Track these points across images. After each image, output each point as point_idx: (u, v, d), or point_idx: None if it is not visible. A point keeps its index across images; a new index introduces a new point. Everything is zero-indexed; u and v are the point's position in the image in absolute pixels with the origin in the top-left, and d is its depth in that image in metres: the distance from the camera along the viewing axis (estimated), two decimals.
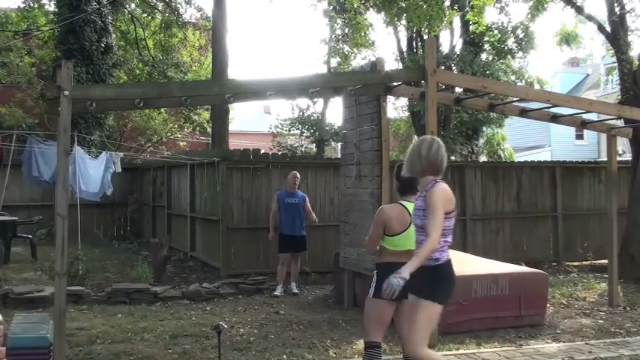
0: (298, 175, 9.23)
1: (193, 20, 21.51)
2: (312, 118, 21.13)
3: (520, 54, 19.31)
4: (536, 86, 19.92)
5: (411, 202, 4.38)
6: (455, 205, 3.97)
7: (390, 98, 11.41)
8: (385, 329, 4.50)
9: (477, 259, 8.14)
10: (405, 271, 3.67)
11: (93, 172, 11.47)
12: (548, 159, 21.02)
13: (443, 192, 3.86)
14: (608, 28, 11.36)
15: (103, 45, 16.57)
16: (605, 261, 9.54)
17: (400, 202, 4.43)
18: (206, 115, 20.23)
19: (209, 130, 21.37)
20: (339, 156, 10.30)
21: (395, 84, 7.25)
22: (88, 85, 13.33)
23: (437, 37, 16.15)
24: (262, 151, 11.58)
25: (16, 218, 11.69)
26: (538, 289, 7.12)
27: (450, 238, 3.96)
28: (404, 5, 12.35)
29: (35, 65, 19.46)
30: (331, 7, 19.44)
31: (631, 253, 9.96)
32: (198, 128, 21.94)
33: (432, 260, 3.86)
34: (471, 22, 16.41)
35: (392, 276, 3.65)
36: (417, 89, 7.82)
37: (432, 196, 3.85)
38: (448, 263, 3.95)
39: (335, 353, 5.88)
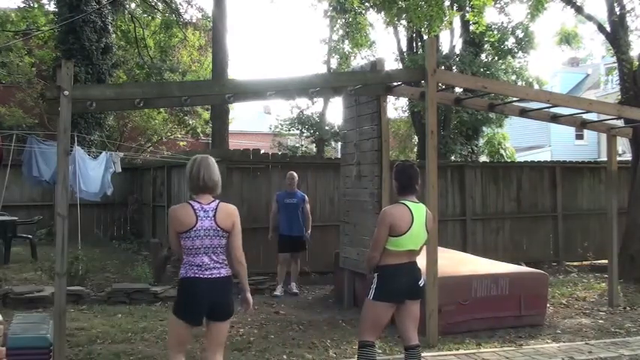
0: (295, 175, 9.22)
1: (194, 20, 21.49)
2: (312, 118, 21.15)
3: (520, 54, 19.28)
4: (536, 86, 19.89)
5: (412, 202, 4.38)
6: (190, 226, 3.87)
7: (390, 98, 11.40)
8: (381, 331, 4.48)
9: (477, 259, 8.16)
10: None
11: (93, 172, 11.46)
12: (548, 159, 21.01)
13: (172, 212, 3.95)
14: (608, 28, 11.37)
15: (102, 45, 16.57)
16: (605, 261, 9.54)
17: (401, 202, 4.41)
18: (206, 115, 20.20)
19: (202, 136, 21.39)
20: (339, 156, 10.29)
21: (395, 84, 7.25)
22: (88, 85, 13.32)
23: (437, 37, 16.10)
24: (262, 151, 11.57)
25: (16, 218, 11.67)
26: (538, 289, 7.13)
27: (197, 260, 3.90)
28: (404, 5, 12.32)
29: (35, 65, 19.43)
30: (331, 7, 19.43)
31: (631, 253, 9.97)
32: (191, 132, 21.84)
33: None
34: (470, 22, 16.38)
35: None
36: (417, 89, 7.81)
37: None
38: (182, 282, 3.95)
39: (335, 353, 5.88)
